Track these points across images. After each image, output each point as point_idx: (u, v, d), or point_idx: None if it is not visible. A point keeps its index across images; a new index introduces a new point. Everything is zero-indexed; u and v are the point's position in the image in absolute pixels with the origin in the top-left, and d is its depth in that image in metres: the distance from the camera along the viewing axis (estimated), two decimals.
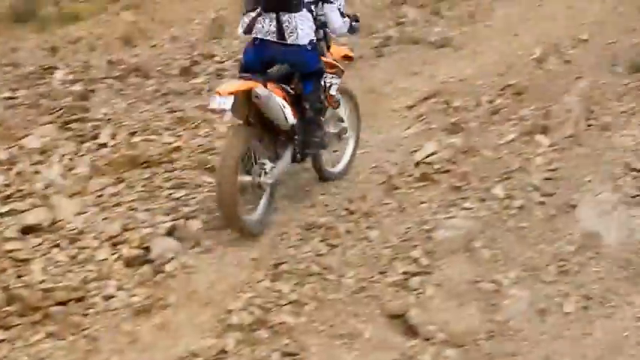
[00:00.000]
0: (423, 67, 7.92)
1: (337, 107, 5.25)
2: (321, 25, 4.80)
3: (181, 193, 5.39)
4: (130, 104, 7.18)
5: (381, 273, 4.74)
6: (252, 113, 4.47)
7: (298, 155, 4.92)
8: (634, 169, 5.63)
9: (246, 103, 4.38)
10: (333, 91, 5.05)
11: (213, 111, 4.46)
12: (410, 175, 5.68)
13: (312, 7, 4.64)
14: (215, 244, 4.95)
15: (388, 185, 5.62)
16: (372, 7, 9.63)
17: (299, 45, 4.55)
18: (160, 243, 4.87)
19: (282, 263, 4.77)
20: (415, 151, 5.91)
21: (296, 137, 4.81)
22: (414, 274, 4.67)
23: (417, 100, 6.94)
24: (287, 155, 4.87)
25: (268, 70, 4.63)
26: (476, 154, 5.83)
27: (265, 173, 4.68)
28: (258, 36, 4.58)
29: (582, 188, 5.44)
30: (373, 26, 8.98)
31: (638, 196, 5.35)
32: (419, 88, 7.34)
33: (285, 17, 4.46)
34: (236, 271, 4.75)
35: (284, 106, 4.56)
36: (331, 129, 5.31)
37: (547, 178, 5.56)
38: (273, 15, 4.47)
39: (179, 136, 6.29)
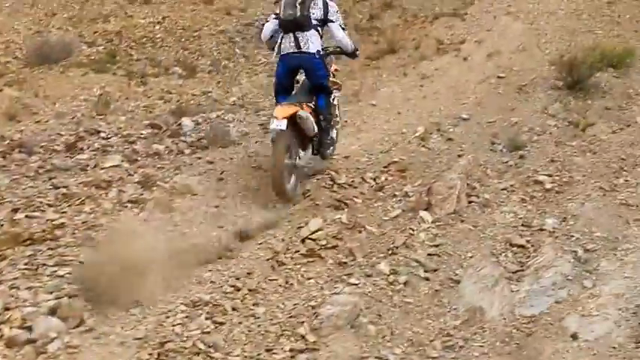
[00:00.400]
0: None
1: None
2: (330, 53, 10.37)
3: (65, 270, 7.84)
4: (13, 180, 10.00)
5: (267, 350, 7.31)
6: (292, 124, 9.51)
7: (316, 151, 10.27)
8: (514, 245, 9.19)
9: (290, 119, 9.48)
10: (335, 102, 10.55)
11: (274, 130, 9.44)
12: (296, 251, 8.67)
13: (319, 28, 9.84)
14: (99, 323, 7.29)
15: (275, 261, 8.61)
16: (259, 85, 14.04)
17: (310, 53, 9.70)
18: (43, 322, 7.03)
19: (168, 342, 7.16)
20: (301, 227, 8.98)
21: (315, 139, 10.12)
22: (301, 351, 7.32)
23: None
24: (310, 149, 10.19)
25: (294, 93, 10.08)
26: (361, 230, 9.03)
27: (299, 158, 9.92)
28: (284, 52, 9.72)
29: (465, 264, 8.80)
30: (259, 104, 13.17)
31: (519, 271, 8.86)
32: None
33: (299, 35, 9.64)
34: (121, 350, 7.04)
35: (314, 123, 9.79)
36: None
37: (431, 254, 8.86)
38: (292, 35, 9.66)
39: (64, 212, 8.99)
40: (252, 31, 15.91)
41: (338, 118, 10.81)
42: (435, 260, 8.81)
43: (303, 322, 7.65)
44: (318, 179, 10.01)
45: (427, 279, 8.53)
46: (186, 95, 13.64)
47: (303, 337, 7.46)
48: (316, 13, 9.80)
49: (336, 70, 10.88)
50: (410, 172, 10.49)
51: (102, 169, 10.49)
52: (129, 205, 9.51)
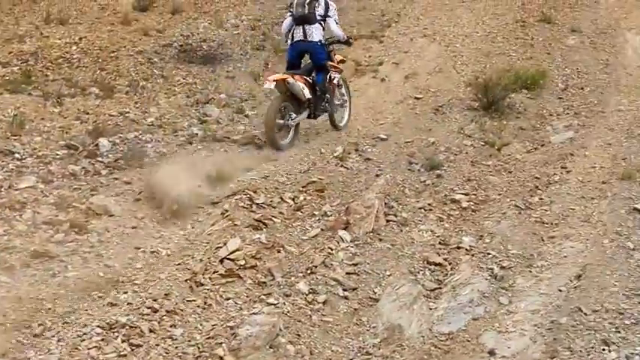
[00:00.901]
0: (227, 164, 11.40)
1: (340, 89, 13.30)
2: (331, 43, 12.87)
3: None
4: None
5: None
6: (287, 90, 12.02)
7: (312, 115, 12.58)
8: (432, 263, 9.41)
9: (283, 85, 12.00)
10: (335, 81, 13.00)
11: (265, 90, 13.15)
12: (215, 272, 8.69)
13: (322, 22, 12.46)
14: (13, 350, 7.22)
15: (193, 282, 8.62)
16: (177, 106, 13.89)
17: (313, 41, 12.35)
18: None
19: None
20: (220, 247, 8.97)
21: (311, 105, 12.38)
22: None
23: (221, 196, 10.24)
24: (304, 113, 12.38)
25: (298, 64, 12.61)
26: (280, 249, 9.08)
27: (291, 119, 12.10)
28: (295, 40, 12.43)
29: (384, 282, 8.97)
30: (177, 124, 13.11)
31: (436, 289, 9.07)
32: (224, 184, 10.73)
33: (307, 27, 12.33)
34: None
35: (303, 88, 12.07)
36: (336, 101, 13.16)
37: (350, 273, 8.99)
38: (301, 27, 12.37)
39: None
40: (171, 52, 15.95)
41: (346, 97, 13.52)
42: (354, 279, 8.92)
43: (221, 343, 7.63)
44: (236, 199, 10.00)
45: (346, 298, 8.64)
46: (104, 116, 13.42)
47: (221, 358, 7.45)
48: (320, 10, 12.60)
49: (342, 60, 13.68)
50: (328, 192, 10.60)
51: (16, 190, 10.24)
52: (44, 226, 9.37)
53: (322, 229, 9.71)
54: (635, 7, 19.62)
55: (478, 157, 12.25)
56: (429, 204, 10.63)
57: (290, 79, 11.98)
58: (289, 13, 12.78)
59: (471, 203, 10.81)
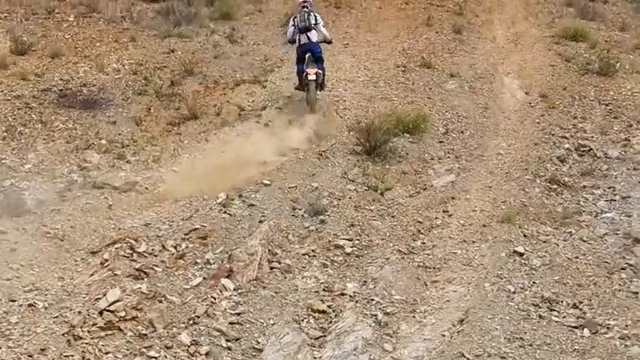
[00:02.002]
0: (107, 212, 11.49)
1: None
2: (321, 42, 17.47)
3: None
4: None
5: None
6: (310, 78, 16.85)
7: (320, 87, 17.01)
8: (316, 311, 9.61)
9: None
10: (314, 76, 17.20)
11: (311, 80, 16.36)
12: (94, 324, 8.65)
13: (315, 28, 17.17)
14: None
15: (71, 336, 8.51)
16: (56, 152, 13.63)
17: (313, 42, 17.01)
18: None
19: None
20: (99, 298, 8.93)
21: (319, 84, 16.93)
22: None
23: (101, 245, 10.17)
24: (319, 90, 17.03)
25: (306, 63, 16.91)
26: (162, 299, 9.12)
27: (318, 94, 16.81)
28: (302, 42, 17.03)
29: (268, 331, 9.12)
30: (56, 171, 12.89)
31: (321, 337, 9.25)
32: (103, 233, 10.69)
33: (309, 34, 16.98)
34: None
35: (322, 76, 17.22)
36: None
37: (233, 323, 9.12)
38: (304, 34, 17.00)
39: None
40: (50, 97, 15.66)
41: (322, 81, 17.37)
42: (237, 329, 9.02)
43: None
44: (117, 248, 9.89)
45: (229, 348, 8.73)
46: None
47: None
48: (313, 20, 17.15)
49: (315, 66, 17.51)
50: (211, 239, 10.68)
51: None
52: None
53: (205, 278, 9.79)
54: (512, 53, 20.55)
55: (361, 201, 12.52)
56: (313, 250, 10.86)
57: (319, 71, 16.73)
58: (292, 25, 17.44)
59: (355, 249, 11.10)
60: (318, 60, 17.23)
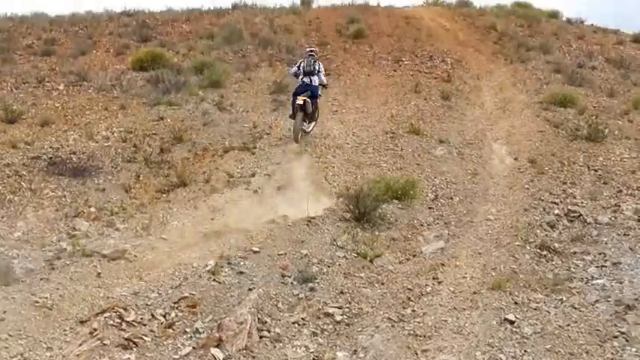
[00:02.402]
0: (96, 280, 11.51)
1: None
2: (320, 85, 20.41)
3: None
4: None
5: None
6: (303, 111, 19.31)
7: (308, 121, 19.72)
8: None
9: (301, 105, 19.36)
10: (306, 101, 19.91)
11: (297, 104, 18.81)
12: None
13: (317, 74, 19.94)
14: None
15: None
16: (45, 220, 13.79)
17: (314, 85, 19.73)
18: None
19: None
20: None
21: (310, 116, 19.71)
22: None
23: (90, 314, 10.14)
24: (307, 122, 19.63)
25: (304, 94, 19.50)
26: None
27: (306, 124, 19.44)
28: (304, 82, 19.59)
29: None
30: (46, 239, 13.01)
31: None
32: (92, 302, 10.67)
33: (311, 77, 19.66)
34: None
35: (311, 106, 19.61)
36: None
37: None
38: (308, 76, 19.64)
39: None
40: (40, 164, 15.85)
41: (317, 115, 20.15)
42: None
43: None
44: (105, 317, 9.93)
45: None
46: None
47: None
48: (317, 67, 19.83)
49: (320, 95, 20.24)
50: (201, 308, 10.71)
51: None
52: None
53: (194, 348, 9.81)
54: (500, 119, 20.94)
55: (351, 269, 12.59)
56: (303, 318, 10.90)
57: (307, 99, 19.13)
58: (297, 67, 20.03)
59: (345, 317, 11.15)
60: (313, 99, 19.79)
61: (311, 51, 20.86)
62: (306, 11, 33.42)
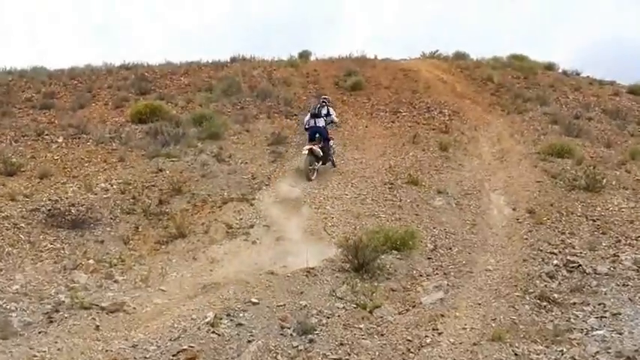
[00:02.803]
0: (95, 333, 11.49)
1: (333, 147, 23.31)
2: (329, 123, 22.95)
3: None
4: None
5: None
6: (312, 152, 21.25)
7: (322, 163, 21.83)
8: None
9: (311, 150, 21.46)
10: (331, 143, 22.61)
11: (304, 150, 21.09)
12: None
13: (325, 117, 22.51)
14: None
15: None
16: (44, 272, 13.80)
17: (321, 126, 21.93)
18: None
19: None
20: None
21: (322, 158, 21.74)
22: None
23: None
24: (320, 163, 21.72)
25: (315, 138, 22.12)
26: None
27: (316, 165, 21.29)
28: (311, 125, 21.93)
29: None
30: (44, 291, 12.98)
31: None
32: (90, 355, 10.65)
33: (317, 120, 21.84)
34: None
35: (320, 151, 21.62)
36: (331, 151, 22.91)
37: None
38: (313, 119, 21.86)
39: None
40: (39, 217, 15.97)
41: (333, 152, 22.21)
42: None
43: None
44: None
45: None
46: None
47: None
48: (323, 112, 22.06)
49: (331, 137, 22.30)
50: None
51: None
52: None
53: None
54: (499, 170, 21.11)
55: (350, 319, 12.54)
56: None
57: (315, 147, 21.07)
58: (309, 113, 22.16)
59: None
60: (324, 140, 21.99)
61: (324, 99, 23.68)
62: (304, 64, 33.87)
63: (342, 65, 32.68)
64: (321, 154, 21.46)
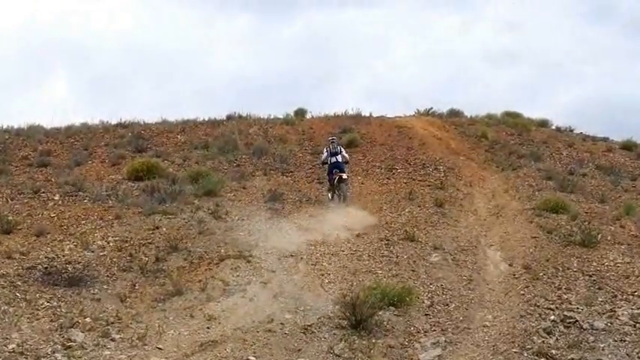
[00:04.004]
0: None
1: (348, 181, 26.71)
2: (345, 162, 26.13)
3: None
4: None
5: None
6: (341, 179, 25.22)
7: (343, 192, 25.52)
8: None
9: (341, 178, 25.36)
10: (345, 177, 25.72)
11: (339, 178, 24.66)
12: None
13: (340, 154, 25.29)
14: None
15: None
16: (40, 331, 13.65)
17: (340, 162, 24.96)
18: None
19: None
20: None
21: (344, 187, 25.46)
22: None
23: None
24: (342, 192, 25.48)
25: (334, 173, 25.47)
26: None
27: (341, 192, 24.87)
28: (332, 162, 24.94)
29: None
30: (40, 350, 12.84)
31: None
32: None
33: (337, 156, 24.97)
34: None
35: (345, 180, 25.68)
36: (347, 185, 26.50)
37: None
38: (334, 157, 24.96)
39: None
40: (35, 275, 15.92)
41: (349, 185, 25.12)
42: None
43: None
44: None
45: None
46: None
47: None
48: (339, 149, 24.88)
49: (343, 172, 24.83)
50: None
51: None
52: None
53: None
54: (494, 225, 21.24)
55: None
56: None
57: (344, 175, 24.44)
58: (326, 151, 25.16)
59: None
60: (343, 172, 24.94)
61: (332, 138, 26.58)
62: (299, 121, 34.23)
63: (337, 122, 33.14)
64: (345, 182, 25.01)
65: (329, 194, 25.06)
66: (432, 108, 38.74)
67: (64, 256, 17.08)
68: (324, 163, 25.77)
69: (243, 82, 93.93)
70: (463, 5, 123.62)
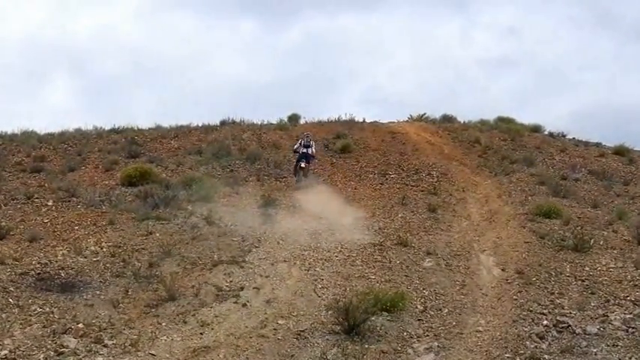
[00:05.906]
0: None
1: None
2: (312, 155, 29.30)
3: None
4: None
5: None
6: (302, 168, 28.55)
7: (305, 176, 28.93)
8: None
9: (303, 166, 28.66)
10: (312, 166, 29.73)
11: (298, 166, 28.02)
12: None
13: (311, 148, 28.57)
14: None
15: None
16: (33, 337, 13.60)
17: (309, 153, 28.12)
18: None
19: None
20: None
21: (305, 174, 28.82)
22: None
23: None
24: (306, 175, 28.90)
25: (303, 160, 28.70)
26: None
27: (304, 179, 28.17)
28: (302, 151, 28.00)
29: None
30: (33, 356, 12.82)
31: None
32: None
33: (307, 149, 28.03)
34: None
35: (307, 167, 28.83)
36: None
37: None
38: (305, 148, 27.99)
39: None
40: (28, 280, 15.87)
41: (307, 171, 27.77)
42: None
43: None
44: None
45: None
46: None
47: None
48: (311, 144, 27.74)
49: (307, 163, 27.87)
50: None
51: None
52: None
53: None
54: (487, 230, 21.23)
55: None
56: None
57: (302, 164, 27.03)
58: (298, 143, 27.92)
59: None
60: (308, 162, 27.83)
61: (307, 134, 29.11)
62: (293, 127, 34.26)
63: (331, 128, 33.16)
64: (308, 169, 28.03)
65: (294, 176, 27.80)
66: (425, 114, 38.77)
67: (57, 261, 17.04)
68: (295, 151, 28.75)
69: (241, 88, 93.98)
70: (461, 11, 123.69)
